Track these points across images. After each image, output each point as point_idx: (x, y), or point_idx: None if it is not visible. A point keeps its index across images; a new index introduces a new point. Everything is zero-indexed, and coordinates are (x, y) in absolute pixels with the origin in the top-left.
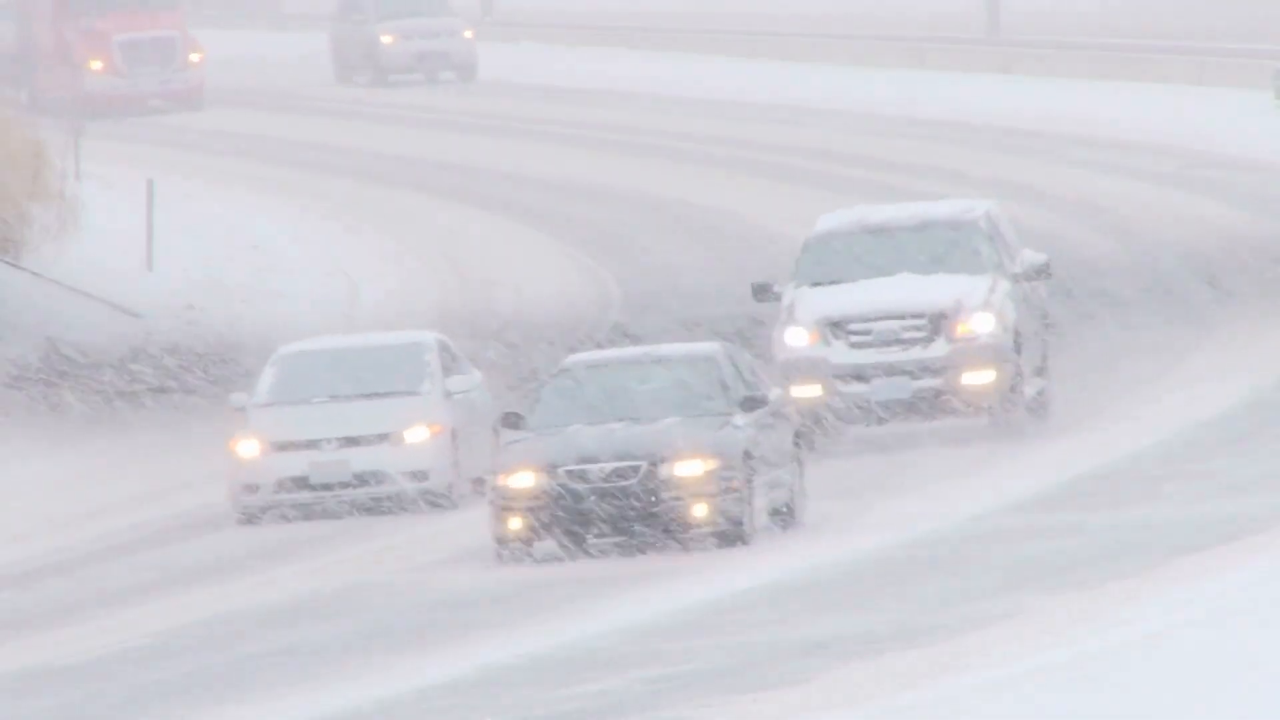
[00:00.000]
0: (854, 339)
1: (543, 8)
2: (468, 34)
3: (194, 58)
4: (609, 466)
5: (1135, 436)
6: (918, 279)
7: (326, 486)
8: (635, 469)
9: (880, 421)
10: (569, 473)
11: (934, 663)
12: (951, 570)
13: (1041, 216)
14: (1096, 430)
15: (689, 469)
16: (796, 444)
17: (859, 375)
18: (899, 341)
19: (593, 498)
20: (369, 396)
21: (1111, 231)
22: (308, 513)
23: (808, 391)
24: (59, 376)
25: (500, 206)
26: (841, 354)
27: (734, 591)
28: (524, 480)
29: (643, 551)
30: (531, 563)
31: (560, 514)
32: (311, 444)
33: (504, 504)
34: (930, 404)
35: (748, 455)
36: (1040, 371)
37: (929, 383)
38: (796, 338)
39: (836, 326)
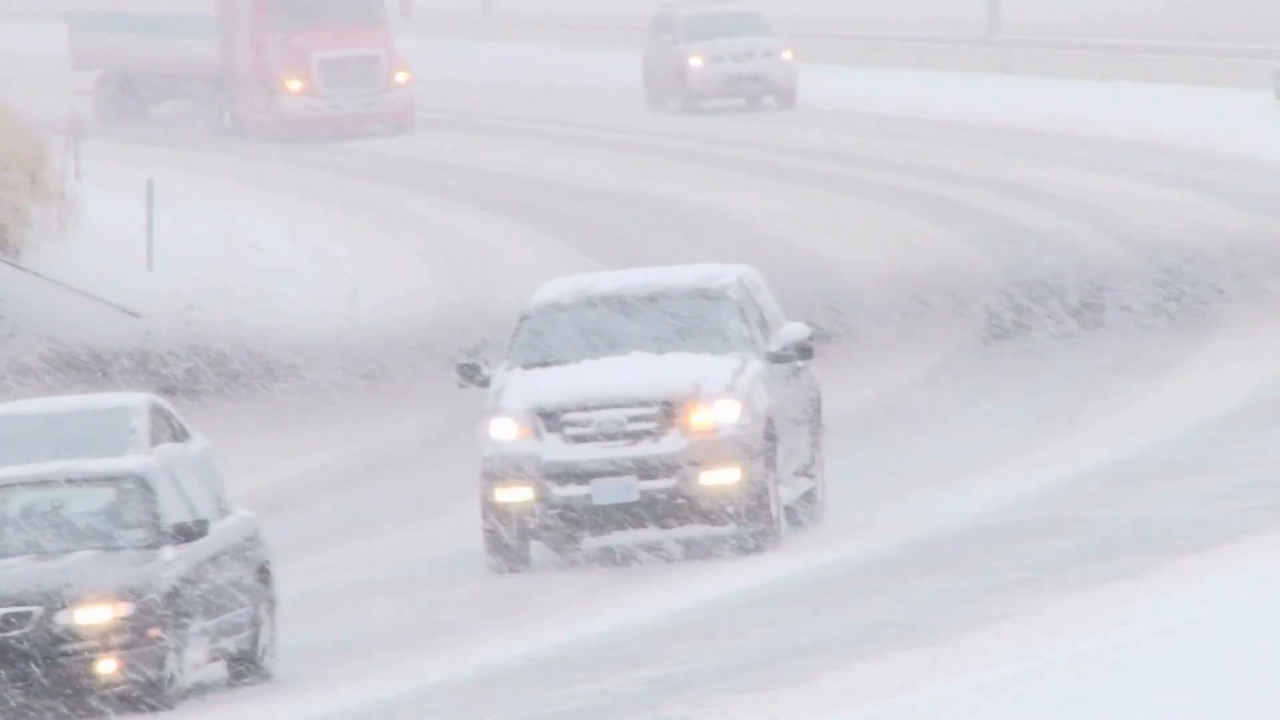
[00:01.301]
0: (571, 432)
1: (537, 8)
2: (787, 55)
3: (400, 77)
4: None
5: (1135, 436)
6: (650, 359)
7: None
8: (27, 616)
9: (601, 530)
10: None
11: (934, 663)
12: (951, 570)
13: (1041, 216)
14: (1096, 430)
15: (92, 616)
16: (263, 580)
17: (576, 475)
18: (625, 435)
19: None
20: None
21: (1111, 231)
22: None
23: (515, 495)
24: (59, 376)
25: (500, 206)
26: (556, 450)
27: (734, 592)
28: None
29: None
30: (531, 561)
31: None
32: None
33: None
34: (663, 509)
35: (174, 596)
36: (807, 470)
37: (661, 484)
38: (503, 430)
39: (551, 417)
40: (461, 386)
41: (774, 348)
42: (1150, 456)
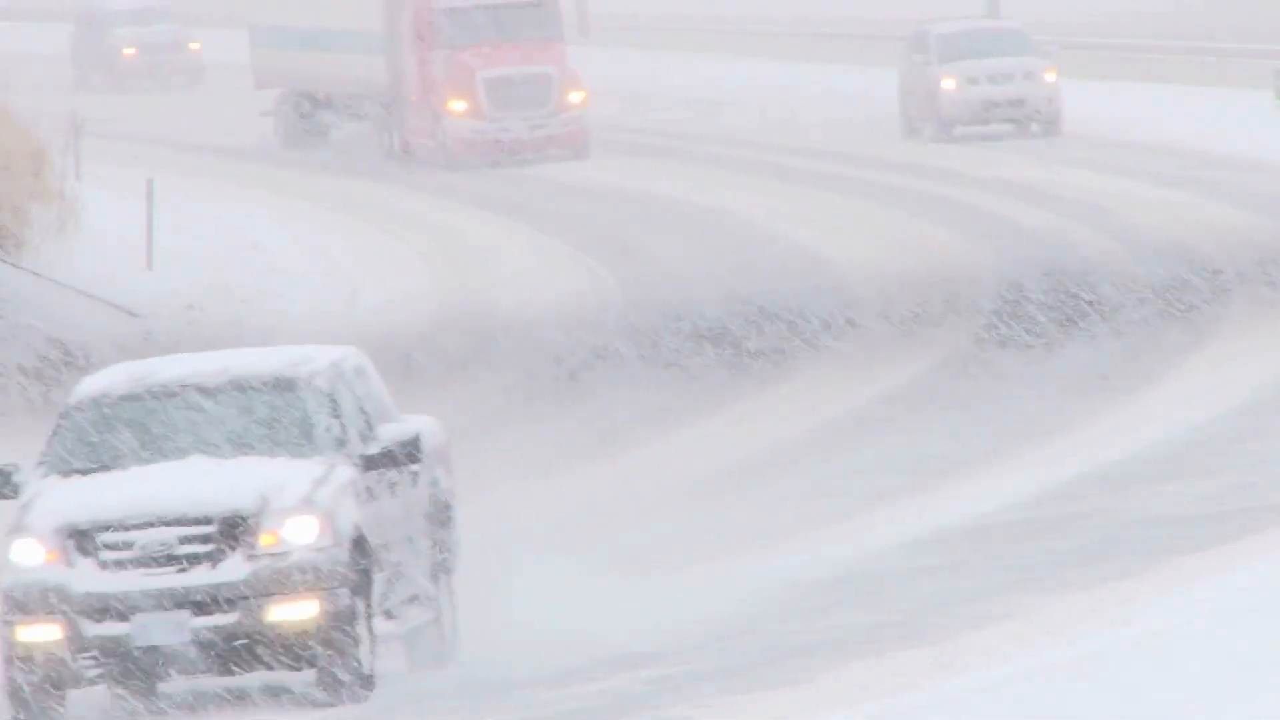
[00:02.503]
0: (108, 556)
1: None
2: (1049, 76)
3: (573, 97)
4: None
5: (1135, 436)
6: (211, 466)
7: None
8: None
9: (148, 678)
10: None
11: (934, 663)
12: (951, 570)
13: (1041, 217)
14: (1095, 430)
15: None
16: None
17: (113, 611)
18: (173, 559)
19: None
20: None
21: (1111, 231)
22: None
23: (41, 634)
24: (59, 376)
25: (500, 206)
26: (89, 578)
27: (734, 591)
28: None
29: None
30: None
31: None
32: None
33: None
34: (223, 652)
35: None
36: (420, 599)
37: (218, 620)
38: (26, 554)
39: (84, 538)
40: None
41: (372, 450)
42: (1150, 456)
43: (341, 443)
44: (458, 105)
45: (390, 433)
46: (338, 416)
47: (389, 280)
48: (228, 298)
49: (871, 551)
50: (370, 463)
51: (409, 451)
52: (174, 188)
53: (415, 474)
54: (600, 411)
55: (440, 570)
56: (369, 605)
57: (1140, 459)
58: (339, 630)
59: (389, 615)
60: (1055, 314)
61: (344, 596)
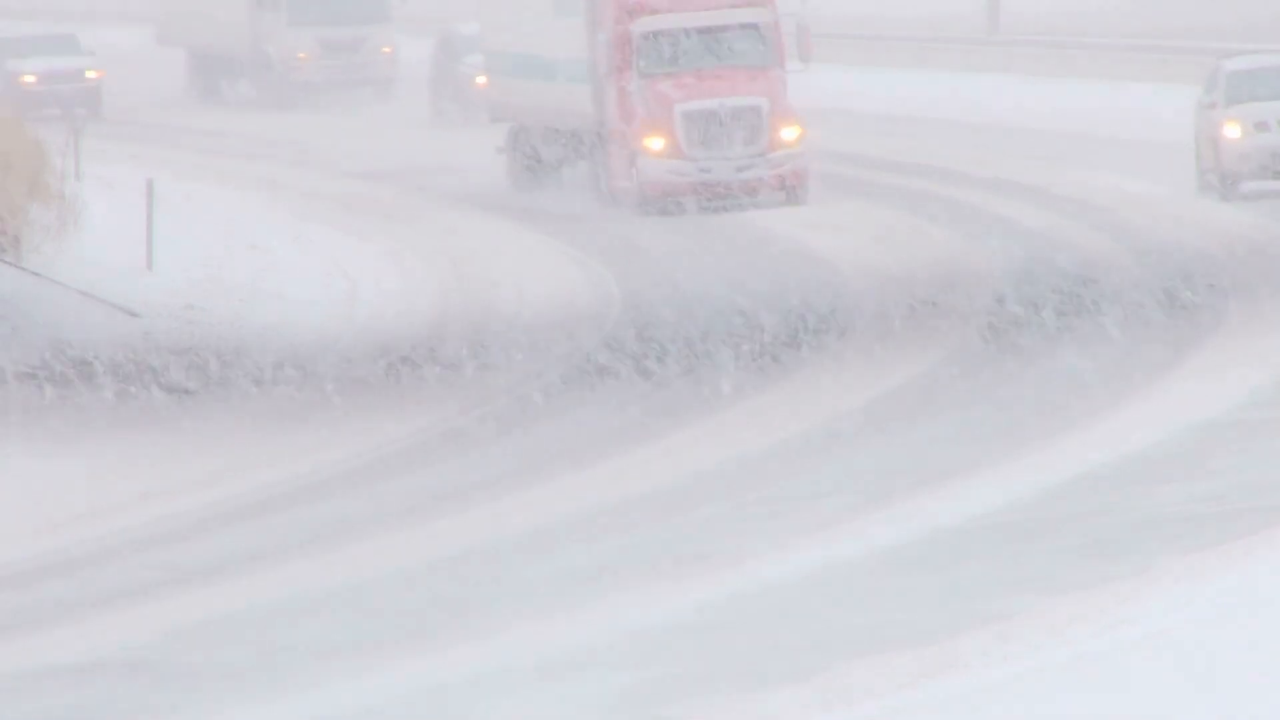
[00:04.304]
0: None
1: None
2: None
3: (787, 134)
4: None
5: (1135, 436)
6: None
7: None
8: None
9: None
10: None
11: (934, 663)
12: (951, 570)
13: (1041, 216)
14: (1095, 430)
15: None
16: None
17: None
18: None
19: None
20: None
21: (1111, 231)
22: None
23: None
24: (59, 376)
25: (500, 206)
26: None
27: (734, 591)
28: None
29: None
30: (532, 561)
31: None
32: None
33: None
34: None
35: None
36: None
37: None
38: None
39: None
40: None
41: None
42: (1150, 456)
43: None
44: (654, 143)
45: None
46: None
47: (389, 280)
48: (228, 298)
49: (872, 551)
50: None
51: None
52: (174, 188)
53: None
54: (601, 412)
55: None
56: None
57: (1140, 459)
58: None
59: None
60: (1054, 314)
61: None
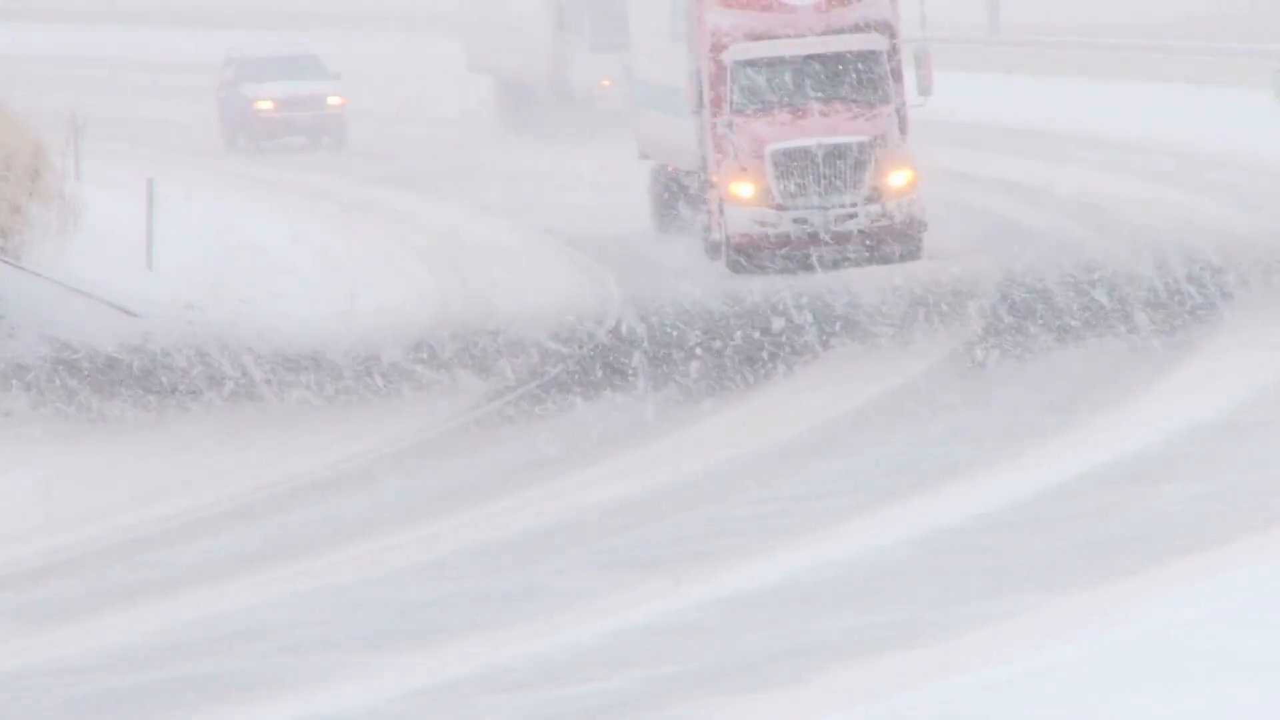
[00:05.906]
0: None
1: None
2: None
3: (896, 179)
4: None
5: (1135, 436)
6: None
7: None
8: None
9: None
10: None
11: (934, 663)
12: (951, 570)
13: (1041, 216)
14: (1096, 430)
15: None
16: None
17: None
18: None
19: None
20: None
21: (1111, 231)
22: None
23: None
24: (59, 375)
25: (500, 206)
26: None
27: (734, 591)
28: None
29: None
30: (531, 561)
31: None
32: None
33: None
34: None
35: None
36: None
37: None
38: None
39: None
40: None
41: None
42: (1150, 456)
43: None
44: (742, 189)
45: None
46: None
47: (389, 280)
48: (228, 298)
49: (871, 551)
50: None
51: None
52: (174, 188)
53: None
54: (600, 413)
55: None
56: None
57: (1140, 459)
58: None
59: None
60: (1054, 314)
61: None
